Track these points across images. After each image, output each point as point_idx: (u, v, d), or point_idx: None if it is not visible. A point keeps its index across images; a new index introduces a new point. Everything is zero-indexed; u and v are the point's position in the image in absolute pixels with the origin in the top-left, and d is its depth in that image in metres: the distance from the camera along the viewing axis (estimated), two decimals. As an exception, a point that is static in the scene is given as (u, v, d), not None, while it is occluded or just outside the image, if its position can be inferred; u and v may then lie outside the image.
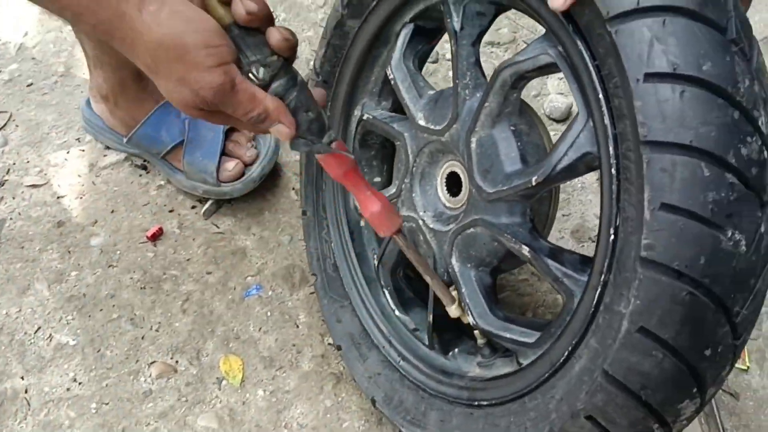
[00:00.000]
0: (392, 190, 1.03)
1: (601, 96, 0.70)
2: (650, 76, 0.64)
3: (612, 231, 0.71)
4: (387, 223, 0.82)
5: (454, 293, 0.93)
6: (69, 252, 1.30)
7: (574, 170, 0.78)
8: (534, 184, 0.80)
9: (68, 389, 1.13)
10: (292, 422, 1.10)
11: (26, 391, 1.12)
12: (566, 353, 0.77)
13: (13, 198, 1.38)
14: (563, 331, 0.80)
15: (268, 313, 1.23)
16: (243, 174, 1.34)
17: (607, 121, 0.70)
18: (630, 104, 0.65)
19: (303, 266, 1.29)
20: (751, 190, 0.64)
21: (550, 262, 0.83)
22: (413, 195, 1.00)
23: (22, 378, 1.14)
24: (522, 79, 0.83)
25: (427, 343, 1.03)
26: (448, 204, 0.98)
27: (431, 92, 0.98)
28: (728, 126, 0.63)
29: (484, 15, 0.90)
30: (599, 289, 0.73)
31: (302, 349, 1.19)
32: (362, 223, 1.15)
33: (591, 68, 0.71)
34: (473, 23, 0.90)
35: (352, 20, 1.02)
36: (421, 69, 1.03)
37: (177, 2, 0.62)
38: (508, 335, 0.88)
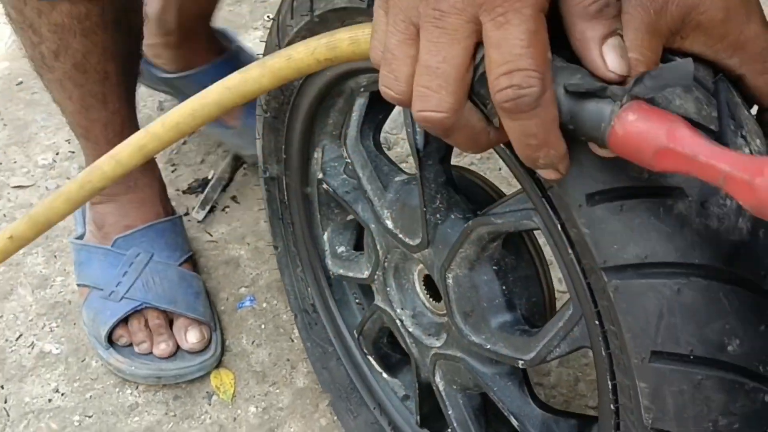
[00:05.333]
0: (365, 273, 0.87)
1: (597, 322, 0.55)
2: (658, 356, 0.49)
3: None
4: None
5: None
6: (55, 257, 1.25)
7: (568, 354, 0.65)
8: (520, 365, 0.68)
9: (50, 400, 1.08)
10: (286, 441, 1.05)
11: (5, 401, 1.07)
12: None
13: (-1, 199, 1.33)
14: None
15: (262, 326, 1.19)
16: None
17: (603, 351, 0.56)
18: (633, 383, 0.52)
19: (299, 278, 1.25)
20: None
21: None
22: (387, 289, 0.84)
23: (2, 387, 1.08)
24: (501, 234, 0.68)
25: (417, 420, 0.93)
26: (428, 305, 0.83)
27: (399, 178, 0.79)
28: (756, 413, 0.50)
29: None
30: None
31: (297, 365, 1.14)
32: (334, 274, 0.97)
33: (583, 283, 0.55)
34: None
35: None
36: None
37: None
38: None
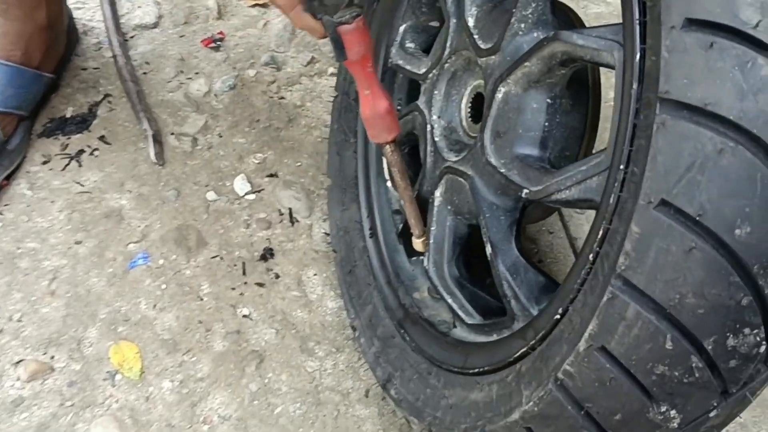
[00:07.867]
0: (422, 69, 0.89)
1: (623, 165, 0.55)
2: (665, 206, 0.49)
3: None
4: (380, 131, 0.76)
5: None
6: None
7: (571, 204, 0.67)
8: (524, 196, 0.71)
9: None
10: (211, 415, 0.92)
11: None
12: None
13: None
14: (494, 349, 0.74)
15: (163, 286, 1.02)
16: None
17: (613, 196, 0.57)
18: (627, 227, 0.52)
19: (197, 226, 1.08)
20: None
21: (505, 274, 0.74)
22: (434, 92, 0.87)
23: None
24: (574, 61, 0.68)
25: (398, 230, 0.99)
26: (464, 123, 0.84)
27: None
28: (726, 308, 0.49)
29: None
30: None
31: (211, 326, 0.99)
32: None
33: (630, 121, 0.54)
34: None
35: None
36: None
37: None
38: (449, 300, 0.83)
